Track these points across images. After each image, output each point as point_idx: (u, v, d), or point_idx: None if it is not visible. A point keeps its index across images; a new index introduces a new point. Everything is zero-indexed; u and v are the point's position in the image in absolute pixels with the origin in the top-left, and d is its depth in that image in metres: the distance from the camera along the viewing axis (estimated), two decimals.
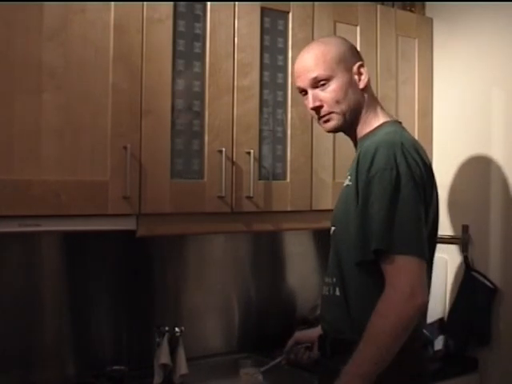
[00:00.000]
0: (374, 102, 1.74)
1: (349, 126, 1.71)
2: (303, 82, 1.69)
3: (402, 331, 1.47)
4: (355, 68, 1.69)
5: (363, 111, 1.70)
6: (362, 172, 1.56)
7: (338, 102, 1.66)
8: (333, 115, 1.68)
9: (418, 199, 1.54)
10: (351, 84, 1.68)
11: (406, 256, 1.49)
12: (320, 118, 1.70)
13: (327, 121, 1.69)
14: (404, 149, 1.57)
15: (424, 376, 1.66)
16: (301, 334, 1.97)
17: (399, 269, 1.49)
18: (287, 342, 1.95)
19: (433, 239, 1.65)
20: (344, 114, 1.67)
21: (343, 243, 1.64)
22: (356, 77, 1.69)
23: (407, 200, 1.52)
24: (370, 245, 1.52)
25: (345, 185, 1.67)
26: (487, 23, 2.49)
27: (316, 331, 1.92)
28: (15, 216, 1.65)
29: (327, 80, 1.66)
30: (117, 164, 1.78)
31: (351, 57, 1.71)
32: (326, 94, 1.66)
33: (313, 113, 1.71)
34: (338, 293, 1.64)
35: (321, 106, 1.67)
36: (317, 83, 1.67)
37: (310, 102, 1.68)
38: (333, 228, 1.69)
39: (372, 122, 1.71)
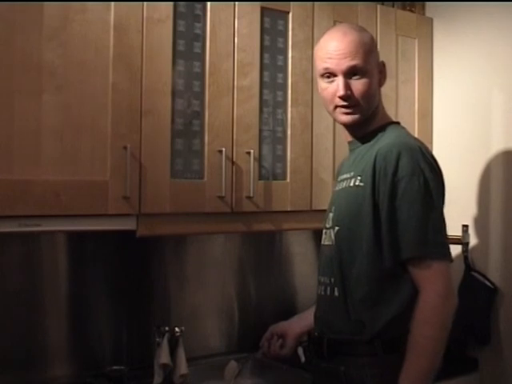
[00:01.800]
0: (381, 103, 1.74)
1: (363, 122, 1.68)
2: (338, 66, 1.61)
3: (446, 332, 1.50)
4: (380, 65, 1.69)
5: (375, 110, 1.70)
6: (386, 175, 1.55)
7: (365, 97, 1.63)
8: (357, 108, 1.64)
9: (442, 204, 1.58)
10: (377, 80, 1.67)
11: (439, 261, 1.51)
12: (341, 107, 1.64)
13: (349, 113, 1.64)
14: (423, 154, 1.57)
15: None
16: (275, 326, 1.98)
17: (434, 274, 1.51)
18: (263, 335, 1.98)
19: None
20: (367, 110, 1.65)
21: (347, 245, 1.62)
22: (378, 74, 1.68)
23: (436, 206, 1.54)
24: (402, 251, 1.52)
25: (351, 184, 1.65)
26: (487, 23, 2.49)
27: (288, 323, 1.94)
28: (15, 216, 1.65)
29: (363, 72, 1.61)
30: (117, 164, 1.78)
31: (377, 52, 1.71)
32: (358, 86, 1.62)
33: (332, 100, 1.65)
34: (336, 293, 1.63)
35: (351, 96, 1.62)
36: (352, 72, 1.62)
37: (342, 88, 1.61)
38: (336, 228, 1.67)
39: (377, 120, 1.71)
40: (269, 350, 1.95)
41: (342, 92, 1.61)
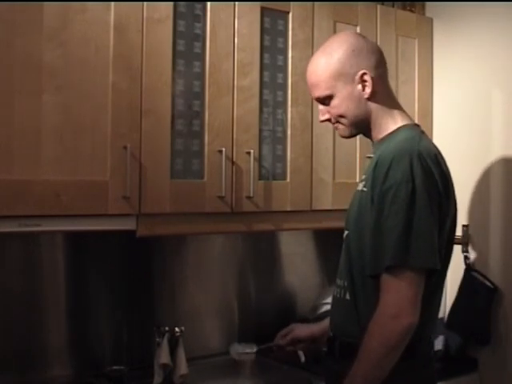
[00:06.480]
0: (390, 106, 1.70)
1: (362, 132, 1.73)
2: (313, 95, 1.74)
3: (389, 350, 1.49)
4: (358, 78, 1.64)
5: (374, 118, 1.67)
6: (378, 183, 1.55)
7: (341, 116, 1.69)
8: (339, 125, 1.72)
9: (431, 212, 1.52)
10: (354, 96, 1.66)
11: (411, 271, 1.48)
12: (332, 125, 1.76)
13: (338, 128, 1.74)
14: (421, 158, 1.53)
15: (431, 378, 1.68)
16: (296, 327, 1.96)
17: (390, 287, 1.49)
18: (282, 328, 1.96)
19: (449, 248, 1.63)
20: (350, 125, 1.70)
21: (355, 249, 1.62)
22: (360, 86, 1.65)
23: (422, 214, 1.50)
24: (383, 260, 1.50)
25: (359, 189, 1.65)
26: (487, 23, 2.49)
27: (310, 327, 1.93)
28: (15, 216, 1.65)
29: (328, 97, 1.69)
30: (117, 164, 1.78)
31: (355, 65, 1.65)
32: (330, 109, 1.70)
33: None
34: (348, 296, 1.64)
35: (329, 119, 1.73)
36: (321, 100, 1.71)
37: (319, 116, 1.74)
38: (346, 232, 1.68)
39: (388, 126, 1.68)
40: (284, 345, 1.94)
41: (320, 119, 1.75)
